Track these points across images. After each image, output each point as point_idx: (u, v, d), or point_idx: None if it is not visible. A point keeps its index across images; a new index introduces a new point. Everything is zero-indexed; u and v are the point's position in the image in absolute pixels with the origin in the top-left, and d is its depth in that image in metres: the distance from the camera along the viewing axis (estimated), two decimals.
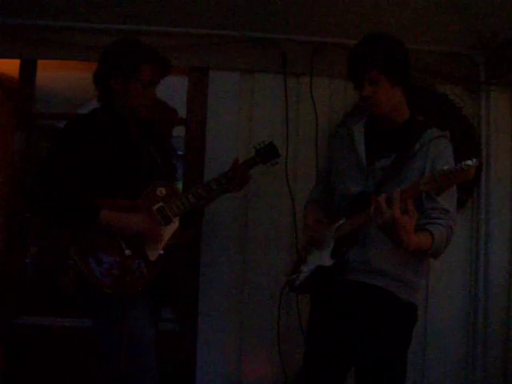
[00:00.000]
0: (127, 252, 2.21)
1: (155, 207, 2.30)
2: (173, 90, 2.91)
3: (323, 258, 2.21)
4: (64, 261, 2.24)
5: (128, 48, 2.33)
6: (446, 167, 1.81)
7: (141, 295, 2.24)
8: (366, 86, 2.13)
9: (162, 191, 2.33)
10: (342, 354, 2.24)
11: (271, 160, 2.59)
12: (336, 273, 2.17)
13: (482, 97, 3.27)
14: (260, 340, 3.13)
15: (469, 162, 1.75)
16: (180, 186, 3.20)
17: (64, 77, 3.67)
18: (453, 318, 3.26)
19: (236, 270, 3.15)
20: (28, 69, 3.20)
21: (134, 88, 2.30)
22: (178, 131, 3.72)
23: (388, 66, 2.12)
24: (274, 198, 3.17)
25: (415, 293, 2.21)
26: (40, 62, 3.20)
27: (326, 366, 2.26)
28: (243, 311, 3.14)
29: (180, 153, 3.71)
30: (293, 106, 3.20)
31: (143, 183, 2.31)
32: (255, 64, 3.18)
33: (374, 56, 2.12)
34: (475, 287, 3.26)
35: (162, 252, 2.28)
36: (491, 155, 3.26)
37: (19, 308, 3.21)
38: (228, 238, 3.16)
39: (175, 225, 2.33)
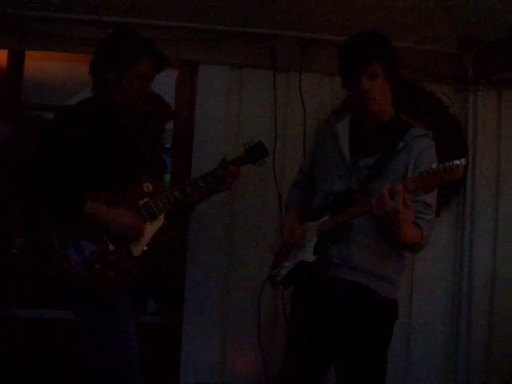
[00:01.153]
0: (110, 247, 2.21)
1: (141, 202, 2.30)
2: (162, 84, 2.90)
3: (306, 253, 2.22)
4: (49, 253, 2.23)
5: (127, 40, 2.31)
6: (434, 166, 1.82)
7: (125, 291, 2.24)
8: (364, 80, 2.12)
9: (148, 187, 2.32)
10: (323, 349, 2.25)
11: (259, 159, 2.57)
12: (318, 269, 2.19)
13: (470, 96, 3.29)
14: (244, 332, 3.14)
15: (457, 162, 1.76)
16: (168, 178, 3.20)
17: (52, 68, 3.65)
18: (437, 315, 3.30)
19: (222, 263, 3.17)
20: (16, 59, 3.17)
21: (130, 80, 2.28)
22: (166, 124, 3.72)
23: (387, 61, 2.14)
24: (260, 193, 3.18)
25: (395, 289, 2.24)
26: (28, 53, 3.18)
27: (307, 361, 2.27)
28: (228, 304, 3.16)
29: (167, 146, 3.71)
30: (281, 101, 3.20)
31: (130, 177, 2.30)
32: (244, 59, 3.17)
33: (375, 49, 2.13)
34: (459, 284, 3.29)
35: (145, 248, 2.27)
36: (477, 154, 3.29)
37: (5, 300, 3.20)
38: (214, 233, 3.16)
39: (160, 221, 2.33)
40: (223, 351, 3.15)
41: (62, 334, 3.03)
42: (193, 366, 3.14)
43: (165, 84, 3.25)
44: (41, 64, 3.49)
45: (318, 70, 3.19)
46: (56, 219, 2.21)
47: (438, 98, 3.25)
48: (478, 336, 3.27)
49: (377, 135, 2.22)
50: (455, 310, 3.29)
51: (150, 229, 2.29)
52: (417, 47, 3.19)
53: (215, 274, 3.15)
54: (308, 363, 2.28)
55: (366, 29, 2.24)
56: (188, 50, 3.14)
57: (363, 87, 2.13)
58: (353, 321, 2.16)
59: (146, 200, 2.30)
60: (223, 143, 3.15)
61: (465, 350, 3.26)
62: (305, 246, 2.24)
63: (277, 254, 2.45)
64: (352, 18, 2.88)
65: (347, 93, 2.31)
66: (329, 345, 2.24)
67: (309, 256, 2.20)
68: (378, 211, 1.90)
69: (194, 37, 3.13)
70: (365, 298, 2.17)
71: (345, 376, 2.23)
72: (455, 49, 3.24)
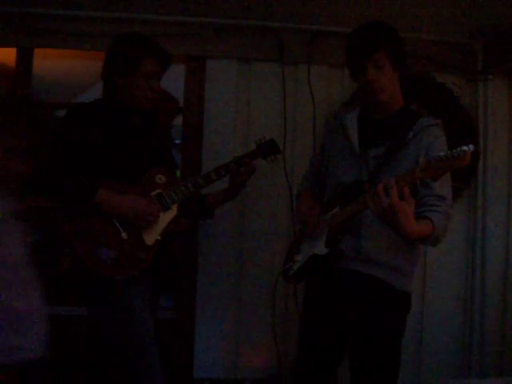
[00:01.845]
0: (123, 235, 2.23)
1: (153, 193, 2.33)
2: (170, 80, 2.90)
3: (317, 246, 2.22)
4: (61, 248, 2.25)
5: (129, 42, 2.35)
6: (442, 153, 1.82)
7: (139, 281, 2.25)
8: (371, 70, 2.13)
9: (161, 178, 2.36)
10: (336, 342, 2.26)
11: (271, 155, 2.62)
12: (330, 261, 2.18)
13: (480, 86, 3.26)
14: (258, 327, 3.14)
15: (465, 148, 1.77)
16: (178, 174, 3.21)
17: (60, 65, 3.66)
18: (450, 306, 3.27)
19: (234, 258, 3.16)
20: (25, 57, 3.18)
21: (136, 82, 2.32)
22: (175, 120, 3.72)
23: (393, 50, 2.14)
24: (271, 186, 3.17)
25: (409, 281, 2.23)
26: (37, 51, 3.19)
27: (320, 353, 2.28)
28: (241, 298, 3.16)
29: (177, 141, 3.71)
30: (290, 95, 3.19)
31: (141, 172, 2.33)
32: (252, 53, 3.15)
33: (381, 39, 2.13)
34: (472, 275, 3.27)
35: (159, 238, 2.29)
36: (488, 144, 3.26)
37: None
38: (226, 227, 3.16)
39: (173, 212, 2.35)
40: (236, 346, 3.15)
41: (73, 330, 3.05)
42: (206, 361, 3.14)
43: (173, 79, 3.25)
44: (49, 62, 3.50)
45: (326, 63, 3.16)
46: (68, 206, 2.25)
47: (448, 88, 3.22)
48: (492, 326, 3.25)
49: (386, 125, 2.21)
50: (468, 300, 3.27)
51: (163, 219, 2.32)
52: (426, 37, 3.16)
53: (227, 269, 3.15)
54: (321, 356, 2.29)
55: (373, 20, 2.24)
56: (195, 44, 3.13)
57: (370, 77, 2.13)
58: (366, 313, 2.16)
59: (158, 191, 2.34)
60: (233, 138, 3.14)
61: (479, 341, 3.24)
62: (316, 239, 2.24)
63: (290, 247, 2.44)
64: (360, 9, 2.86)
65: (357, 85, 2.30)
66: (341, 337, 2.24)
67: (320, 249, 2.20)
68: (375, 209, 1.91)
69: (200, 31, 3.12)
70: (378, 290, 2.16)
71: (358, 368, 2.23)
72: (465, 38, 3.21)
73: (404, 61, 2.20)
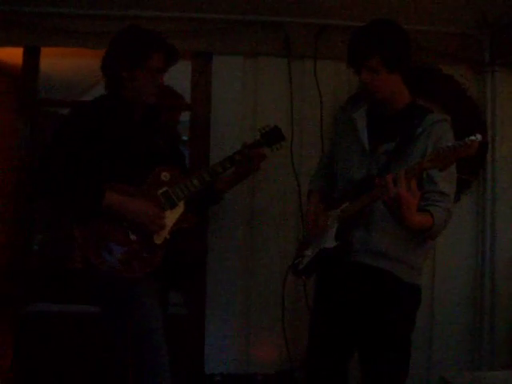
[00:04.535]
0: (132, 237, 2.24)
1: (159, 192, 2.32)
2: (177, 76, 2.91)
3: (327, 240, 2.23)
4: (71, 247, 2.26)
5: (137, 36, 2.33)
6: (450, 143, 1.86)
7: (149, 280, 2.26)
8: (364, 73, 2.15)
9: (166, 176, 2.35)
10: (346, 336, 2.27)
11: (276, 143, 2.59)
12: (340, 255, 2.19)
13: (488, 77, 3.25)
14: (268, 322, 3.15)
15: (472, 137, 1.81)
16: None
17: (67, 64, 3.67)
18: (459, 298, 3.28)
19: (243, 253, 3.17)
20: (31, 56, 3.19)
21: (142, 75, 2.31)
22: (183, 116, 3.72)
23: (387, 55, 2.13)
24: (279, 180, 3.18)
25: (418, 274, 2.25)
26: (43, 49, 3.20)
27: (331, 348, 2.29)
28: (251, 294, 3.17)
29: (185, 138, 3.72)
30: (297, 89, 3.18)
31: (147, 170, 2.33)
32: (259, 48, 3.16)
33: (372, 45, 2.13)
34: (482, 267, 3.27)
35: (167, 236, 2.30)
36: (496, 135, 3.25)
37: (27, 296, 3.23)
38: (235, 222, 3.16)
39: (181, 209, 2.35)
40: (247, 340, 3.16)
41: (85, 328, 3.07)
42: (217, 356, 3.15)
43: (180, 76, 3.25)
44: (56, 60, 3.51)
45: (333, 57, 3.15)
46: (76, 213, 2.24)
47: (455, 80, 3.21)
48: (502, 317, 3.24)
49: (394, 122, 2.22)
50: (478, 292, 3.27)
51: (171, 217, 2.32)
52: (432, 29, 3.14)
53: (237, 264, 3.16)
54: (332, 349, 2.30)
55: (375, 19, 2.23)
56: (201, 41, 3.14)
57: (363, 80, 2.16)
58: (376, 307, 2.16)
59: (164, 189, 2.33)
60: (240, 133, 3.14)
61: (489, 332, 3.24)
62: (326, 234, 2.25)
63: (299, 244, 2.45)
64: (367, 2, 2.86)
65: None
66: (351, 330, 2.25)
67: (330, 243, 2.21)
68: (382, 198, 1.95)
69: (206, 27, 3.12)
70: (387, 283, 2.17)
71: (368, 361, 2.24)
72: (472, 30, 3.20)
73: (405, 61, 2.19)
